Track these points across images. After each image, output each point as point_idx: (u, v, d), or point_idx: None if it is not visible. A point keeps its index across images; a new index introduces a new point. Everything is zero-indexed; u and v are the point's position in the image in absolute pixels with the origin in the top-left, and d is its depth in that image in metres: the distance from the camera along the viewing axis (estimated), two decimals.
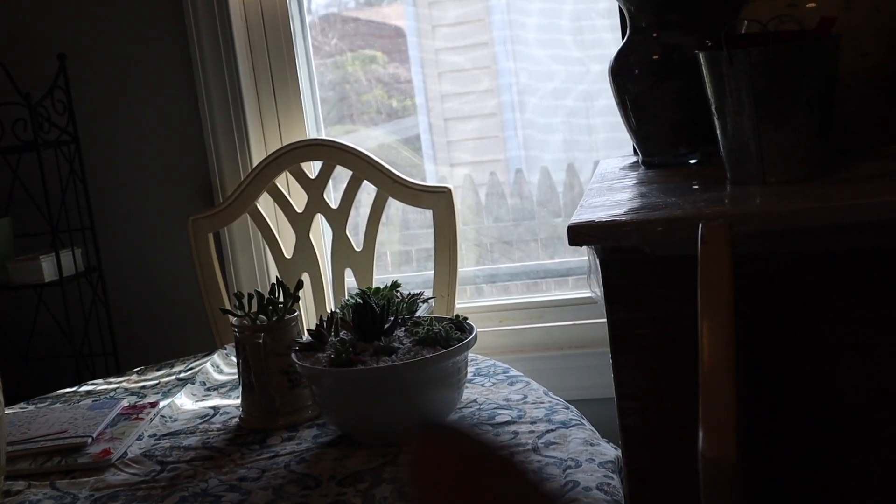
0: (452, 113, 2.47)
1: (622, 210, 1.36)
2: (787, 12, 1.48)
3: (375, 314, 1.50)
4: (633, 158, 1.75)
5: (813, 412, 1.36)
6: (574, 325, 2.26)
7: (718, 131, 1.45)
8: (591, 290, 1.62)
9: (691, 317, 1.13)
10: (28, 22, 2.35)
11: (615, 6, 1.86)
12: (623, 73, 1.65)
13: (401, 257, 2.48)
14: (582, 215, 1.35)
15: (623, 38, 1.72)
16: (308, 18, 2.37)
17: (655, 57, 1.62)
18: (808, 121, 1.36)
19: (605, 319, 1.43)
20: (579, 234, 1.32)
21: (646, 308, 1.35)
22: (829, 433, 1.38)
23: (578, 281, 2.36)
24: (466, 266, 2.35)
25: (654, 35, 1.62)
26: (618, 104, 1.69)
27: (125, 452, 1.54)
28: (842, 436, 1.37)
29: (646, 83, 1.63)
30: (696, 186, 1.45)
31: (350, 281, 2.24)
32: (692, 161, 1.66)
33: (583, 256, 2.19)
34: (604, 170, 1.73)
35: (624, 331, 1.35)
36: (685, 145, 1.64)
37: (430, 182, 2.31)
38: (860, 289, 1.32)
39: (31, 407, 1.81)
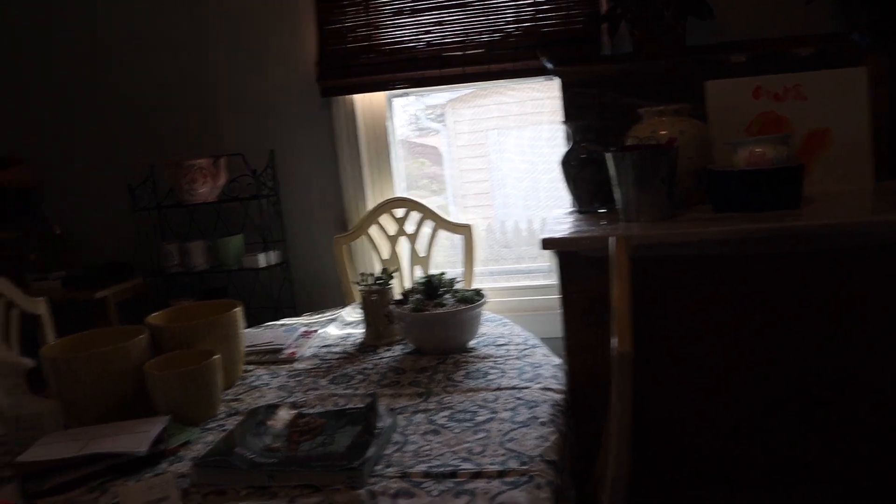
0: (466, 190, 2.95)
1: (568, 233, 1.76)
2: (651, 135, 1.92)
3: (434, 286, 1.90)
4: (571, 209, 2.13)
5: (660, 340, 1.68)
6: (531, 298, 2.72)
7: (616, 195, 1.82)
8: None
9: (603, 287, 1.57)
10: (247, 125, 2.87)
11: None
12: (567, 164, 2.06)
13: (445, 260, 2.83)
14: (549, 234, 1.75)
15: (566, 146, 2.10)
16: (396, 140, 2.86)
17: (583, 156, 2.02)
18: (661, 190, 1.76)
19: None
20: (548, 243, 1.72)
21: (580, 283, 1.71)
22: (658, 355, 1.69)
23: (534, 276, 2.79)
24: (476, 266, 2.71)
25: (582, 145, 2.04)
26: (564, 180, 2.08)
27: (303, 353, 1.92)
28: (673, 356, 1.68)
29: (578, 169, 2.04)
30: (604, 223, 1.85)
31: (417, 272, 2.71)
32: (601, 210, 2.04)
33: (533, 263, 2.68)
34: (555, 215, 2.09)
35: (569, 296, 1.72)
36: (598, 202, 2.04)
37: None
38: (684, 273, 1.67)
39: (254, 329, 2.17)
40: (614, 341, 1.09)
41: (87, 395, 1.49)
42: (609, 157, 1.80)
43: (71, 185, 3.08)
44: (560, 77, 2.23)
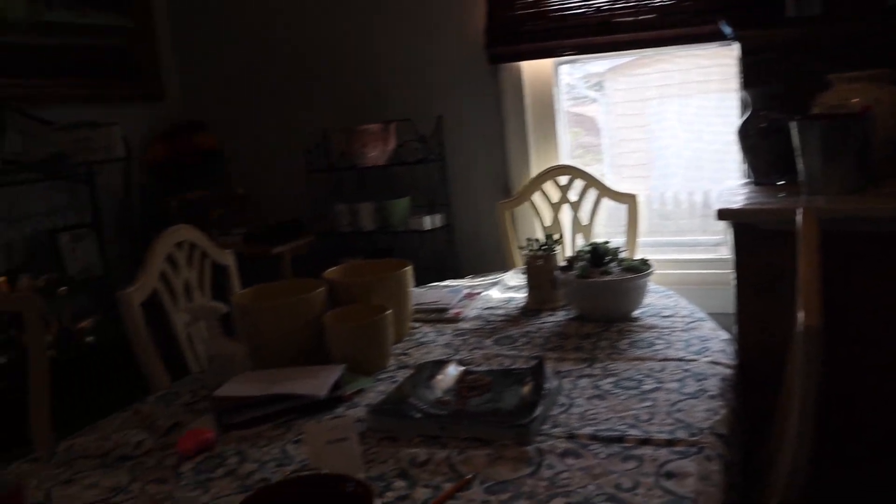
0: (621, 161, 2.98)
1: (745, 204, 1.77)
2: (842, 103, 1.87)
3: (600, 253, 1.89)
4: (746, 180, 2.11)
5: (838, 315, 1.57)
6: (696, 272, 2.71)
7: (801, 165, 1.77)
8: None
9: (780, 261, 1.57)
10: (415, 91, 3.01)
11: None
12: (745, 133, 2.05)
13: (603, 230, 2.85)
14: (725, 205, 1.75)
15: (744, 114, 2.07)
16: (561, 107, 2.91)
17: (763, 125, 2.01)
18: (852, 162, 1.72)
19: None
20: (724, 214, 1.73)
21: (756, 256, 1.74)
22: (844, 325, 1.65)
23: (697, 249, 2.80)
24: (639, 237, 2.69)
25: (762, 113, 2.02)
26: (741, 150, 2.06)
27: (467, 314, 1.97)
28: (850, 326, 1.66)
29: (756, 139, 2.02)
30: (782, 195, 1.84)
31: (578, 240, 2.74)
32: (779, 182, 2.02)
33: (697, 236, 2.69)
34: (729, 186, 2.09)
35: (744, 268, 1.76)
36: (776, 173, 2.02)
37: None
38: (867, 249, 1.67)
39: (420, 289, 2.23)
40: (801, 315, 1.05)
41: (271, 341, 1.60)
42: (794, 125, 1.75)
43: (252, 149, 3.32)
44: (740, 42, 2.15)
